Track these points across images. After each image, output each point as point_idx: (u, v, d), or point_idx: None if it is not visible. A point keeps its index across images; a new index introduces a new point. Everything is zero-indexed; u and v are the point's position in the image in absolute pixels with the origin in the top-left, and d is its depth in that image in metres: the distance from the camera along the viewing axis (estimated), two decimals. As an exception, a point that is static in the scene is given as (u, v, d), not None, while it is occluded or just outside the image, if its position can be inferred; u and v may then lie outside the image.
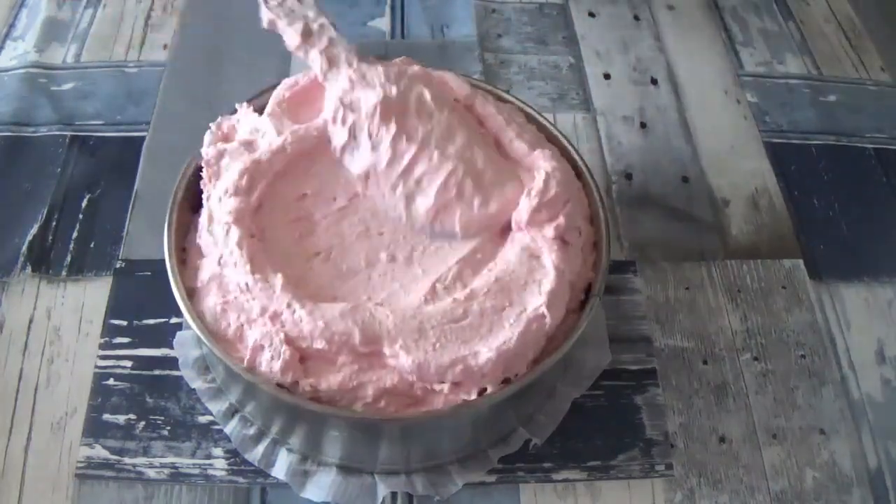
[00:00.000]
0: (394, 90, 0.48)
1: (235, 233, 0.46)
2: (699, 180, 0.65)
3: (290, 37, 0.50)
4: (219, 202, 0.47)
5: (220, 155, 0.49)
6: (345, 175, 0.49)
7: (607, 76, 0.72)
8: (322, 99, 0.51)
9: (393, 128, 0.48)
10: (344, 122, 0.48)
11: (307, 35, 0.50)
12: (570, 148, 0.53)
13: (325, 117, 0.50)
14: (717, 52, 0.75)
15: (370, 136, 0.48)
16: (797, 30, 0.77)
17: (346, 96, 0.49)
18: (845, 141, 0.69)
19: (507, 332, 0.44)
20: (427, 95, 0.49)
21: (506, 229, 0.49)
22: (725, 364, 0.55)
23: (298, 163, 0.49)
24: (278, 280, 0.44)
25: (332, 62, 0.50)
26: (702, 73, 0.73)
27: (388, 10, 0.77)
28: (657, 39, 0.75)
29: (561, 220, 0.47)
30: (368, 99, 0.48)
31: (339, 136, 0.49)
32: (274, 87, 0.53)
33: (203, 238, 0.48)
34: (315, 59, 0.50)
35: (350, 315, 0.43)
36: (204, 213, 0.48)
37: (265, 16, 0.50)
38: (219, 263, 0.46)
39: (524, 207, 0.47)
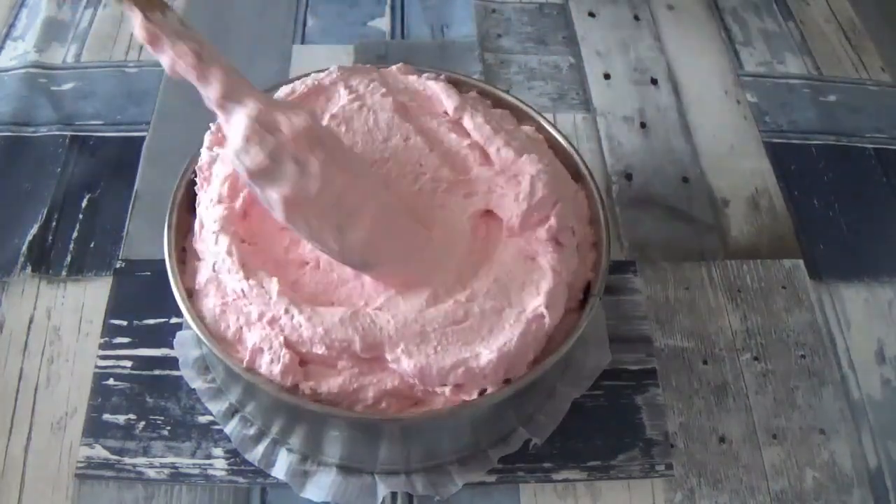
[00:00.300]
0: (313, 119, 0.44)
1: (224, 240, 0.45)
2: (699, 180, 0.65)
3: (183, 55, 0.42)
4: (206, 210, 0.47)
5: (213, 161, 0.49)
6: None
7: (607, 76, 0.72)
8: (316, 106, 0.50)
9: (321, 154, 0.43)
10: (261, 143, 0.42)
11: (199, 55, 0.42)
12: (569, 148, 0.53)
13: (232, 138, 0.43)
14: (717, 52, 0.75)
15: (296, 160, 0.42)
16: (797, 30, 0.77)
17: (262, 115, 0.42)
18: (845, 141, 0.69)
19: (508, 333, 0.44)
20: (339, 135, 0.48)
21: (496, 227, 0.49)
22: (725, 364, 0.55)
23: None
24: (273, 285, 0.44)
25: (233, 85, 0.43)
26: (702, 73, 0.73)
27: (388, 10, 0.77)
28: (657, 39, 0.75)
29: (553, 221, 0.47)
30: (293, 120, 0.43)
31: (253, 158, 0.42)
32: (273, 88, 0.53)
33: (198, 243, 0.48)
34: (215, 80, 0.42)
35: (350, 322, 0.43)
36: (197, 218, 0.48)
37: (146, 30, 0.41)
38: (213, 269, 0.46)
39: (515, 212, 0.47)
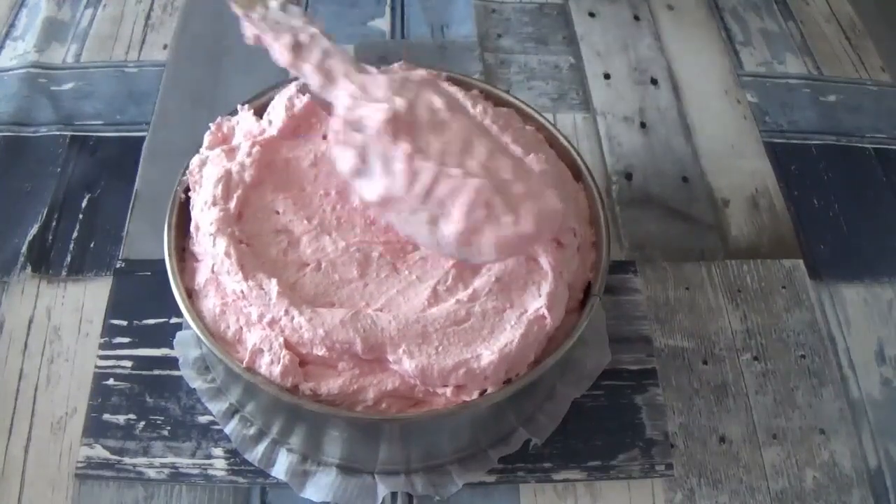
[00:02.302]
0: (401, 102, 0.43)
1: (222, 242, 0.45)
2: (699, 180, 0.65)
3: (279, 52, 0.45)
4: (201, 212, 0.47)
5: (203, 163, 0.49)
6: (311, 194, 0.49)
7: (607, 76, 0.72)
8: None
9: (406, 146, 0.42)
10: (350, 143, 0.43)
11: (297, 48, 0.45)
12: (569, 148, 0.53)
13: (329, 137, 0.46)
14: (717, 52, 0.75)
15: (382, 158, 0.42)
16: (797, 30, 0.77)
17: (349, 114, 0.43)
18: (845, 141, 0.69)
19: (509, 335, 0.44)
20: (438, 103, 0.44)
21: None
22: (725, 364, 0.55)
23: (270, 176, 0.49)
24: (273, 286, 0.44)
25: (328, 76, 0.45)
26: (702, 73, 0.73)
27: (388, 10, 0.77)
28: (657, 39, 0.75)
29: None
30: (374, 115, 0.42)
31: (345, 160, 0.43)
32: (274, 87, 0.52)
33: (195, 245, 0.48)
34: (309, 75, 0.45)
35: (351, 323, 0.43)
36: (192, 221, 0.48)
37: (248, 30, 0.45)
38: (213, 271, 0.46)
39: None
